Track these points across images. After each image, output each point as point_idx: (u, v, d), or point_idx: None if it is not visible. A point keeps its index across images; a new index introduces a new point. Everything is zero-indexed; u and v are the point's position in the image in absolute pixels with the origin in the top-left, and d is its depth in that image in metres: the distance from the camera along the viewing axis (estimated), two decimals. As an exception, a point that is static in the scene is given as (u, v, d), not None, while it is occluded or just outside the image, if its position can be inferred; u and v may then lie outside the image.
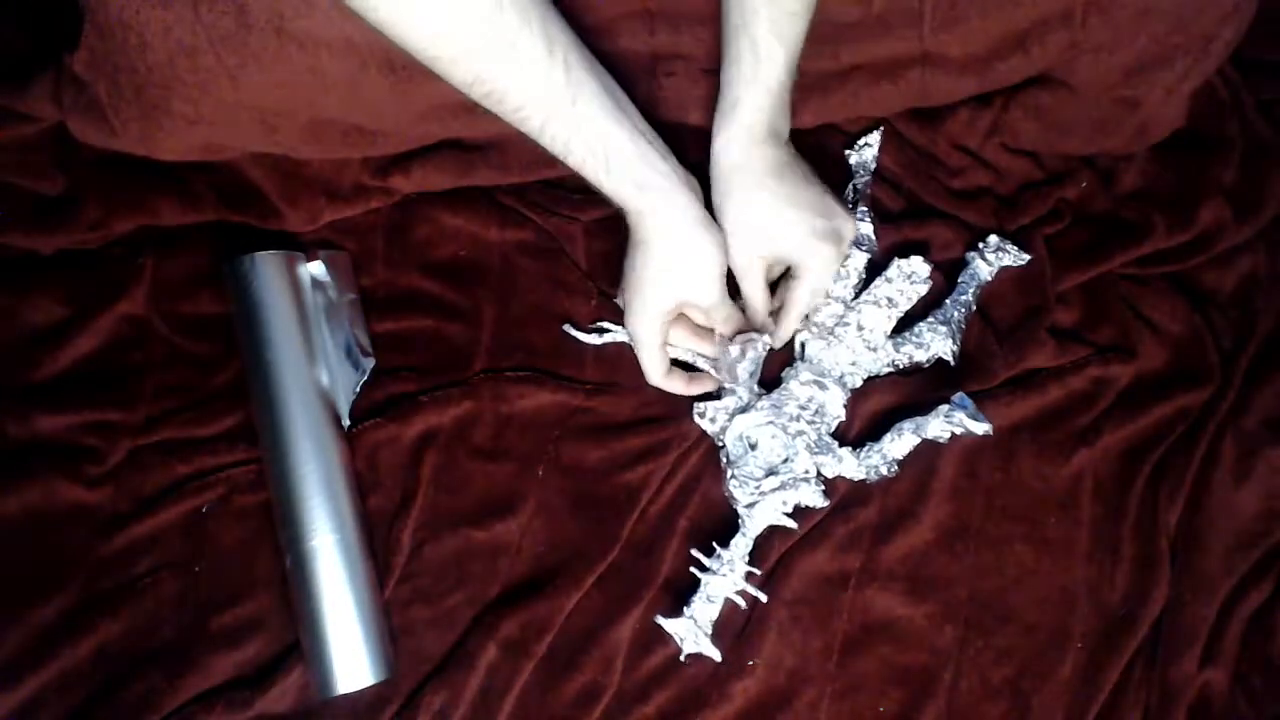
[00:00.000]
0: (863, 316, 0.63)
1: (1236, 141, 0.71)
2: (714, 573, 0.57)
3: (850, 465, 0.60)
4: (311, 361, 0.60)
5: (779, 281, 0.65)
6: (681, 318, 0.63)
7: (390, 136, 0.65)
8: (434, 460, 0.61)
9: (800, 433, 0.60)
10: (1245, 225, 0.69)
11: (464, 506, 0.60)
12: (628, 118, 0.56)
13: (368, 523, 0.59)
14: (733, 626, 0.58)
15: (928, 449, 0.61)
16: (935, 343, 0.63)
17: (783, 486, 0.58)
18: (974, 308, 0.66)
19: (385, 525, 0.59)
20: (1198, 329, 0.67)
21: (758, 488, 0.58)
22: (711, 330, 0.63)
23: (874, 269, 0.65)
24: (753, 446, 0.60)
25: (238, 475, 0.60)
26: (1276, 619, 0.58)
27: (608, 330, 0.65)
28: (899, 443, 0.60)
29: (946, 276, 0.67)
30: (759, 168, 0.59)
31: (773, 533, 0.59)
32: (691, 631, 0.56)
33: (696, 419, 0.62)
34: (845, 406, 0.62)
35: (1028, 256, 0.67)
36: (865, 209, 0.67)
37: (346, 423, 0.61)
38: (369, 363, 0.62)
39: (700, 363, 0.64)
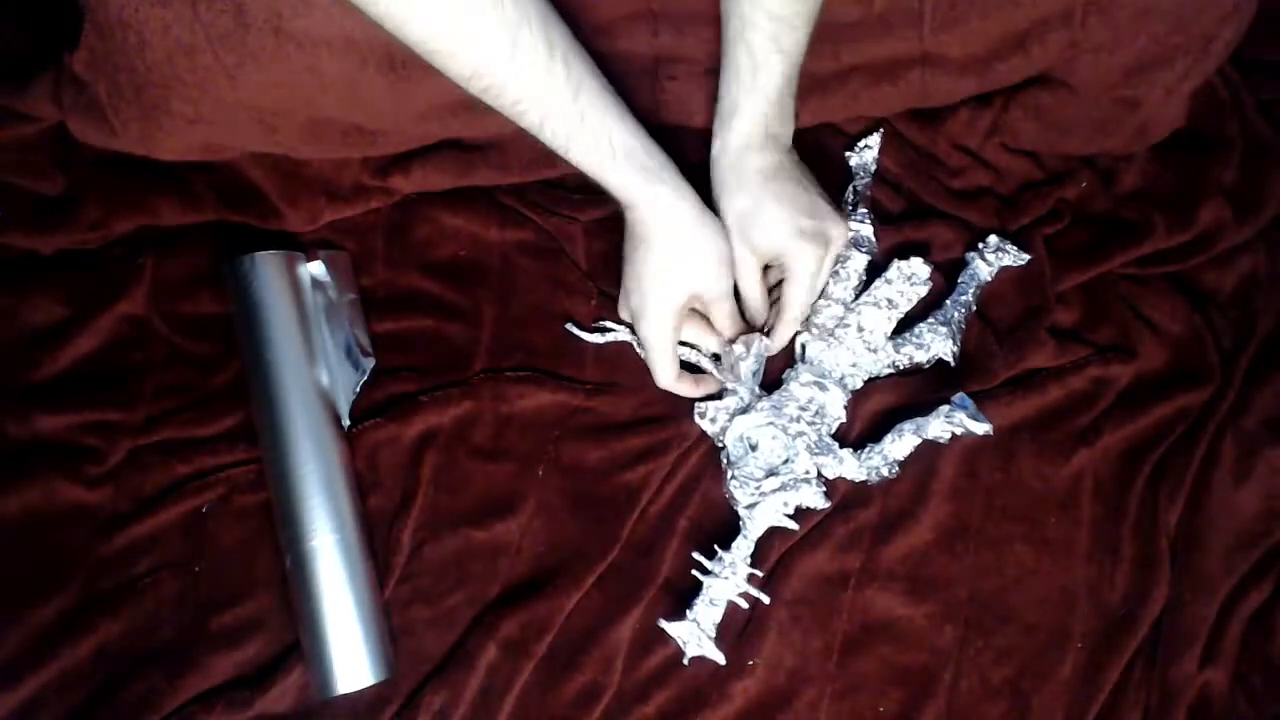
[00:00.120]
0: (863, 318, 0.63)
1: (1236, 141, 0.71)
2: (716, 575, 0.57)
3: (851, 466, 0.60)
4: (311, 361, 0.60)
5: (776, 287, 0.65)
6: (692, 314, 0.63)
7: (390, 136, 0.65)
8: (434, 460, 0.61)
9: (801, 434, 0.60)
10: (1245, 225, 0.69)
11: (464, 506, 0.60)
12: (628, 113, 0.56)
13: (368, 523, 0.59)
14: (733, 627, 0.58)
15: (928, 449, 0.61)
16: (935, 343, 0.63)
17: (783, 487, 0.58)
18: (974, 308, 0.66)
19: (385, 525, 0.59)
20: (1198, 329, 0.67)
21: (758, 488, 0.58)
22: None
23: (874, 271, 0.65)
24: (753, 447, 0.60)
25: (238, 475, 0.60)
26: (1276, 619, 0.58)
27: (610, 329, 0.65)
28: (900, 444, 0.60)
29: (946, 277, 0.67)
30: (754, 170, 0.60)
31: (773, 533, 0.59)
32: (694, 635, 0.56)
33: (697, 419, 0.62)
34: (846, 407, 0.62)
35: (1028, 256, 0.67)
36: (865, 211, 0.67)
37: (346, 423, 0.61)
38: (369, 363, 0.62)
39: (704, 364, 0.64)
